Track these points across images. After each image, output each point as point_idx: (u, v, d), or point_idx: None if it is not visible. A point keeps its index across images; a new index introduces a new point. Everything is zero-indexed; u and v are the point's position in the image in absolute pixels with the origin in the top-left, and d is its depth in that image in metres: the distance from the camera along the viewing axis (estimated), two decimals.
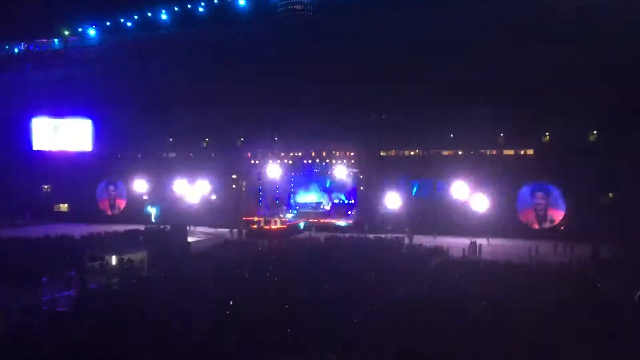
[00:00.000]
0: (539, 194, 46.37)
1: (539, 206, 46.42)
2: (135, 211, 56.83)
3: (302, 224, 50.58)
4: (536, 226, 46.21)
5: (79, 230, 40.53)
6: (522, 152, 48.65)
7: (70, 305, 21.26)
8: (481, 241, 37.97)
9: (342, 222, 50.66)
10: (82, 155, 59.92)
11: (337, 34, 52.28)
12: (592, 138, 46.76)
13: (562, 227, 44.46)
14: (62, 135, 60.63)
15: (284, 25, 57.06)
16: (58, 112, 60.11)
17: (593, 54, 41.96)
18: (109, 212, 59.56)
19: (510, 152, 48.93)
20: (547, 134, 47.82)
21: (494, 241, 40.65)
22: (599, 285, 23.76)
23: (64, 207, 62.01)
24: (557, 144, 46.47)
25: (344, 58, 50.88)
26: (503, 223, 44.70)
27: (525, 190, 46.76)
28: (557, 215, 45.72)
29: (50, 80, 62.83)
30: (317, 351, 15.99)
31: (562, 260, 30.96)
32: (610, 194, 44.72)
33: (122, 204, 59.61)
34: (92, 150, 60.28)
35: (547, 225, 45.92)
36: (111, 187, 60.10)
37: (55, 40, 67.28)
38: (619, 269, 27.30)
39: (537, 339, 16.33)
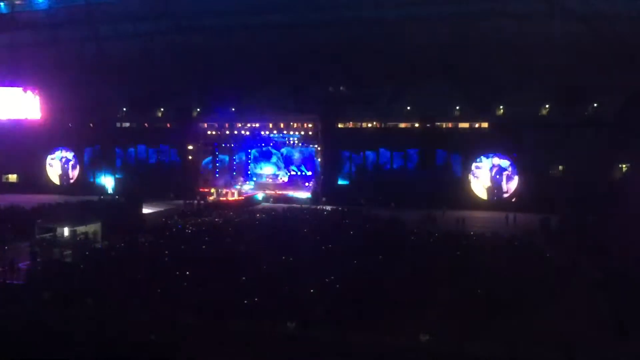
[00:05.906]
0: (492, 167, 47.50)
1: (492, 178, 47.57)
2: (87, 182, 55.59)
3: (258, 196, 50.46)
4: (490, 197, 47.41)
5: (28, 201, 39.25)
6: (477, 125, 49.47)
7: (20, 278, 20.80)
8: (437, 213, 38.54)
9: (299, 194, 50.75)
10: (31, 124, 57.89)
11: (297, 6, 51.44)
12: (544, 112, 48.01)
13: (514, 199, 45.88)
14: (9, 103, 58.47)
15: None
16: (4, 80, 57.79)
17: (548, 30, 42.90)
18: (60, 183, 58.00)
19: (466, 125, 49.74)
20: (501, 107, 48.73)
21: (450, 213, 41.27)
22: (546, 253, 24.65)
23: (12, 177, 60.02)
24: (510, 118, 47.42)
25: (303, 30, 50.41)
26: (458, 195, 45.88)
27: (478, 163, 47.80)
28: (509, 187, 47.04)
29: None
30: (275, 320, 16.13)
31: (511, 230, 31.92)
32: (561, 167, 46.32)
33: (73, 174, 58.09)
34: (42, 119, 58.30)
35: (499, 196, 47.16)
36: (62, 157, 58.44)
37: (1, 4, 64.10)
38: (566, 238, 28.38)
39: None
